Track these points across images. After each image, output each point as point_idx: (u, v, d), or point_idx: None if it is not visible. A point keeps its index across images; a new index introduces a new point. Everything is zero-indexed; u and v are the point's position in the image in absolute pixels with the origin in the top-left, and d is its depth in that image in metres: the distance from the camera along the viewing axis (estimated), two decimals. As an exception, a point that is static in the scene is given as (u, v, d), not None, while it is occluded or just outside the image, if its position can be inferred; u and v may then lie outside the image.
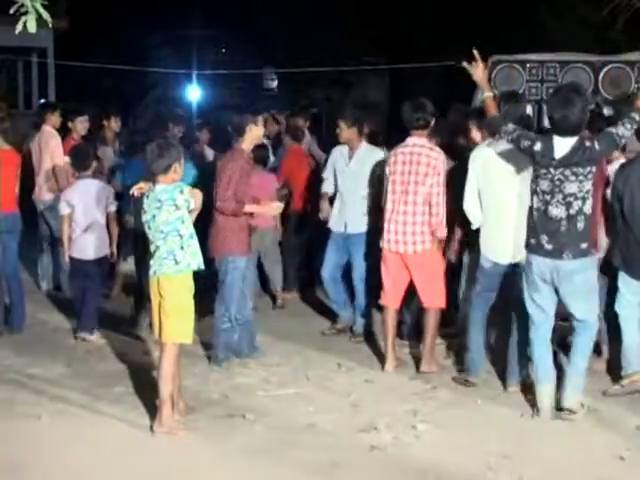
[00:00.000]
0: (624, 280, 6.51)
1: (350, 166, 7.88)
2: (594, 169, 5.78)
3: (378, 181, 7.58)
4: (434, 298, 6.95)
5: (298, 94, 27.31)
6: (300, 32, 25.89)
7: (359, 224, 7.85)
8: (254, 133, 6.99)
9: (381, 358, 7.17)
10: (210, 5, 28.64)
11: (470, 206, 6.59)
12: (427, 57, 20.28)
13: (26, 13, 4.52)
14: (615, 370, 6.63)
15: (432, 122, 6.94)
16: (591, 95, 8.66)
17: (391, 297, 7.02)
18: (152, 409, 5.84)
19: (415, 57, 21.44)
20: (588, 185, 5.75)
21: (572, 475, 5.17)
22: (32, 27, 4.54)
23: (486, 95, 6.17)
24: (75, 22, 20.39)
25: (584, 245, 5.81)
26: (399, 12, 24.31)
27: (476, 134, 6.95)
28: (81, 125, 9.61)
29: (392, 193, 6.89)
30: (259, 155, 8.30)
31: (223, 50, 32.39)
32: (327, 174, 8.20)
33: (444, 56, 19.80)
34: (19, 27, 4.54)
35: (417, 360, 7.10)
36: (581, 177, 5.72)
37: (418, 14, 23.86)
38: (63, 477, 5.15)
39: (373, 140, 9.30)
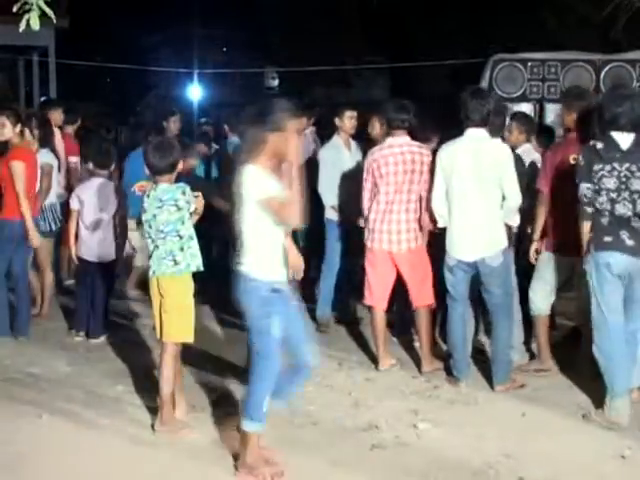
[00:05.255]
0: None
1: (353, 155, 8.19)
2: None
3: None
4: (425, 296, 6.93)
5: (299, 93, 27.32)
6: (301, 31, 25.91)
7: None
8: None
9: (382, 357, 7.18)
10: (211, 4, 28.66)
11: (439, 205, 6.49)
12: (428, 56, 20.29)
13: (29, 10, 4.52)
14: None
15: (414, 122, 6.97)
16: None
17: (379, 298, 6.99)
18: (153, 408, 5.85)
19: (416, 56, 21.45)
20: None
21: (573, 474, 5.16)
22: (35, 24, 4.54)
23: None
24: (76, 21, 20.36)
25: None
26: (400, 11, 24.31)
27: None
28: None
29: (385, 194, 6.85)
30: None
31: (224, 49, 32.39)
32: (324, 176, 8.08)
33: (445, 55, 19.82)
34: (23, 24, 4.53)
35: (417, 359, 7.12)
36: None
37: (419, 13, 23.86)
38: (63, 476, 5.15)
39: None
